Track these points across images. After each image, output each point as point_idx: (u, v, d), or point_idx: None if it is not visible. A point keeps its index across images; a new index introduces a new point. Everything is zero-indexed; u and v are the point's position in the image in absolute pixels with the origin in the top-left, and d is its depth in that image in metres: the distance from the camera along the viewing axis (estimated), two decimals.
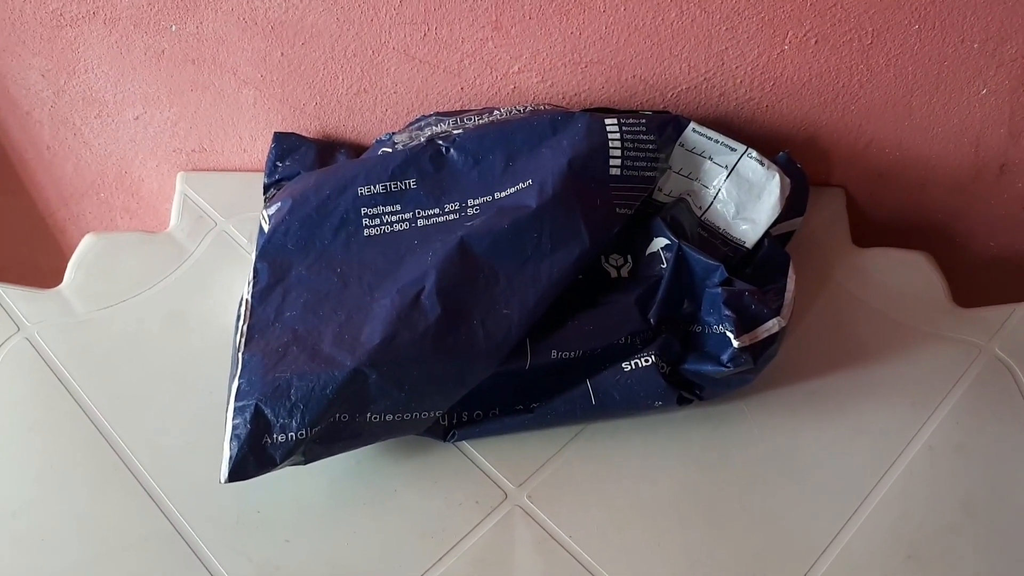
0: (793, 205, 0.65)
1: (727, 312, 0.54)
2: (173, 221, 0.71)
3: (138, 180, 0.78)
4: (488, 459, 0.56)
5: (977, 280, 0.76)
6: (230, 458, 0.49)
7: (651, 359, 0.56)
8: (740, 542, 0.53)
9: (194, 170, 0.76)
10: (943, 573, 0.51)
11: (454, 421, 0.56)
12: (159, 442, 0.56)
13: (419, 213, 0.59)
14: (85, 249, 0.68)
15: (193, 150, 0.75)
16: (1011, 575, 0.51)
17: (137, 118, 0.73)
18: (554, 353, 0.55)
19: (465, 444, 0.57)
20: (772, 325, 0.55)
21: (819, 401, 0.60)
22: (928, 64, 0.66)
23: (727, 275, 0.56)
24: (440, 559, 0.52)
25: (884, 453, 0.57)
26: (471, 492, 0.55)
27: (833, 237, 0.71)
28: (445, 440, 0.56)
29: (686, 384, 0.57)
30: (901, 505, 0.54)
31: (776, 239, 0.64)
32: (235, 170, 0.76)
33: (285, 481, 0.54)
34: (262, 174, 0.69)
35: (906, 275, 0.68)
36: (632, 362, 0.56)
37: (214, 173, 0.76)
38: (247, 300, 0.56)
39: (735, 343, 0.53)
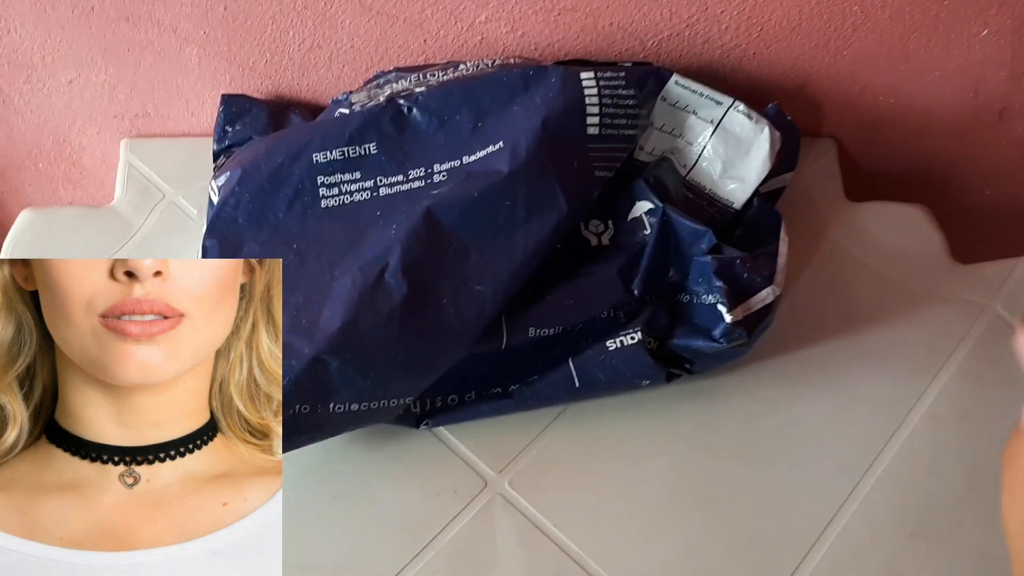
0: (783, 160, 0.61)
1: (718, 283, 0.50)
2: (118, 193, 0.66)
3: (79, 149, 0.72)
4: (466, 444, 0.53)
5: (975, 232, 0.72)
6: None
7: (637, 336, 0.52)
8: (736, 525, 0.50)
9: (139, 136, 0.71)
10: (949, 550, 0.49)
11: (427, 408, 0.52)
12: None
13: (381, 181, 0.54)
14: (22, 226, 0.64)
15: (136, 115, 0.69)
16: None
17: (71, 82, 0.67)
18: (532, 331, 0.52)
19: (441, 429, 0.53)
20: (767, 295, 0.51)
21: (815, 369, 0.56)
22: (926, 3, 0.61)
23: (715, 241, 0.52)
24: (417, 555, 0.49)
25: (884, 423, 0.54)
26: (449, 481, 0.51)
27: (825, 191, 0.67)
28: (418, 428, 0.53)
29: (675, 359, 0.53)
30: (904, 479, 0.52)
31: (766, 197, 0.60)
32: (183, 135, 0.71)
33: None
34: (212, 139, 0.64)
35: (903, 231, 0.64)
36: (617, 340, 0.52)
37: (161, 139, 0.70)
38: None
39: (728, 318, 0.50)
